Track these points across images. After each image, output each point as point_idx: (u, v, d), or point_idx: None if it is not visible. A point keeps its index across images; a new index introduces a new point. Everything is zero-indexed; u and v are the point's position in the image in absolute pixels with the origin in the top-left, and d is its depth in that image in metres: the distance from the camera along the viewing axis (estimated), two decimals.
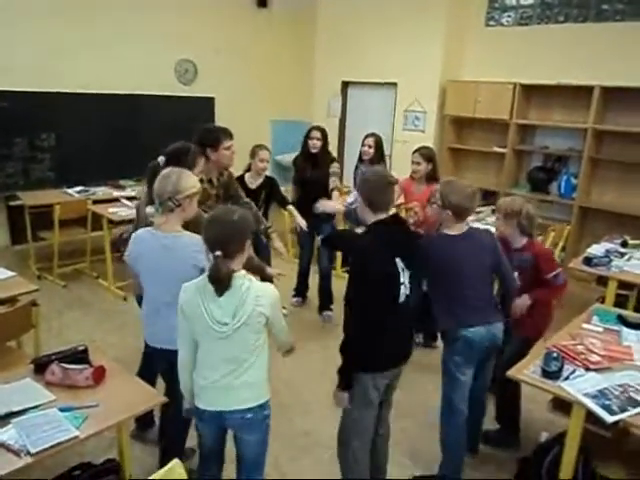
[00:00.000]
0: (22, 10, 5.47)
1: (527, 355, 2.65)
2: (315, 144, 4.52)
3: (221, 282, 1.95)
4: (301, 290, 5.09)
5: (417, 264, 2.36)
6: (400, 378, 2.51)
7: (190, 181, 2.42)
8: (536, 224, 3.02)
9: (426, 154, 4.09)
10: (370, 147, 4.80)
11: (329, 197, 4.58)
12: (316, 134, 4.54)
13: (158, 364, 2.66)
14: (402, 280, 2.27)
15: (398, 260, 2.26)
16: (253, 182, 4.42)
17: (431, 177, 4.06)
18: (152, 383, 2.66)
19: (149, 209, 2.49)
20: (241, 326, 1.98)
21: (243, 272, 2.04)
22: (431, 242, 2.70)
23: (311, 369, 3.87)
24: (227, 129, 3.49)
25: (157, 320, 2.47)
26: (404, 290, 2.28)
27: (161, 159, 2.93)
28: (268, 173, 4.65)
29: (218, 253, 1.94)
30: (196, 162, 2.95)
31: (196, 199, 2.47)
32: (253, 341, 2.04)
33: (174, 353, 2.17)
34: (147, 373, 2.80)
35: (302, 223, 4.31)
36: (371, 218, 2.32)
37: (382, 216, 2.31)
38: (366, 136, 4.92)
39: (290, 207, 4.48)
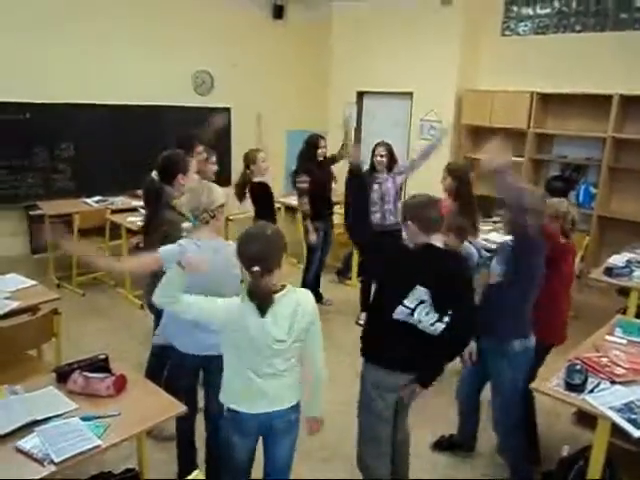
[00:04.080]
0: (41, 21, 5.56)
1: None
2: (324, 152, 4.83)
3: (262, 299, 1.93)
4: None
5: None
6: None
7: (219, 191, 2.48)
8: (576, 227, 3.01)
9: (451, 169, 3.86)
10: (382, 156, 4.72)
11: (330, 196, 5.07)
12: (323, 142, 4.82)
13: (192, 372, 2.65)
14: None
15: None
16: None
17: (457, 195, 3.75)
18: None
19: (185, 225, 2.52)
20: (295, 341, 1.99)
21: (287, 285, 2.04)
22: None
23: None
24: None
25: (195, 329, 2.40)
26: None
27: (154, 174, 2.95)
28: (284, 182, 4.75)
29: (256, 269, 1.89)
30: (188, 166, 3.01)
31: (225, 209, 2.51)
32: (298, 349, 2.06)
33: (217, 358, 2.18)
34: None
35: (313, 238, 4.80)
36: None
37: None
38: (376, 146, 4.82)
39: (307, 222, 4.84)
